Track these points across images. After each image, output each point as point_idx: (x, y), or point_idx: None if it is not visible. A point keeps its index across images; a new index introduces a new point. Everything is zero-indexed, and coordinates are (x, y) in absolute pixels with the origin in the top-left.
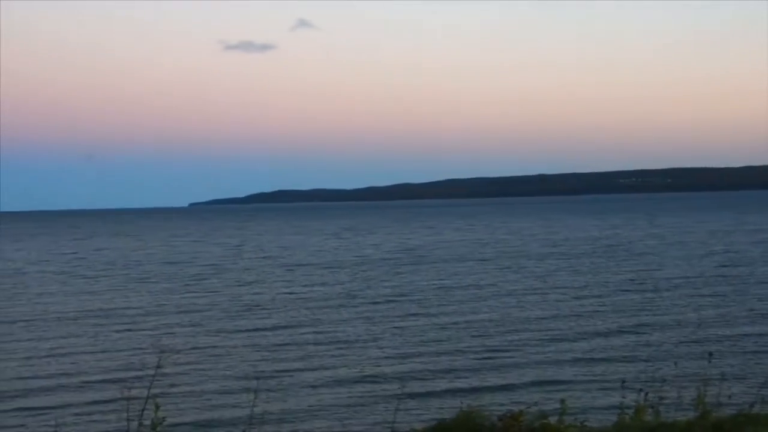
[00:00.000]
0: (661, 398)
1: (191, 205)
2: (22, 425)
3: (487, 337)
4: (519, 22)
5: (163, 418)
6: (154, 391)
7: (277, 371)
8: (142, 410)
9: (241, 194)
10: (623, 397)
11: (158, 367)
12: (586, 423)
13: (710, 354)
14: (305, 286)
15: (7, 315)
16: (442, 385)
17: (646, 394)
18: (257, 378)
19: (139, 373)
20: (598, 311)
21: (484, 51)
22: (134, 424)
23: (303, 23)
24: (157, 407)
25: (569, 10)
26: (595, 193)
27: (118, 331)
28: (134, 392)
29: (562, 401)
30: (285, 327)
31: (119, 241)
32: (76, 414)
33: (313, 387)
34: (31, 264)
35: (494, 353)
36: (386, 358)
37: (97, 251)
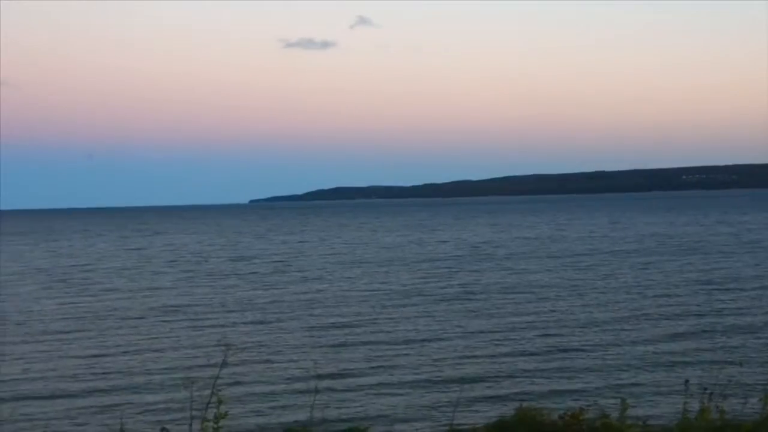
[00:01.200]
0: (725, 398)
1: (251, 202)
2: (87, 423)
3: (550, 337)
4: (588, 23)
5: (226, 412)
6: (217, 386)
7: (339, 369)
8: (207, 404)
9: (300, 191)
10: (687, 398)
11: (222, 363)
12: (648, 422)
13: None
14: (367, 283)
15: (75, 311)
16: (502, 385)
17: (711, 394)
18: (318, 375)
19: (204, 369)
20: (665, 310)
21: (542, 50)
22: (198, 419)
23: (362, 20)
24: (220, 402)
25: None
26: (657, 190)
27: (183, 328)
28: (198, 388)
29: (623, 400)
30: (347, 325)
31: (185, 238)
32: (141, 410)
33: (373, 385)
34: (99, 260)
35: (558, 353)
36: (447, 356)
37: (164, 247)
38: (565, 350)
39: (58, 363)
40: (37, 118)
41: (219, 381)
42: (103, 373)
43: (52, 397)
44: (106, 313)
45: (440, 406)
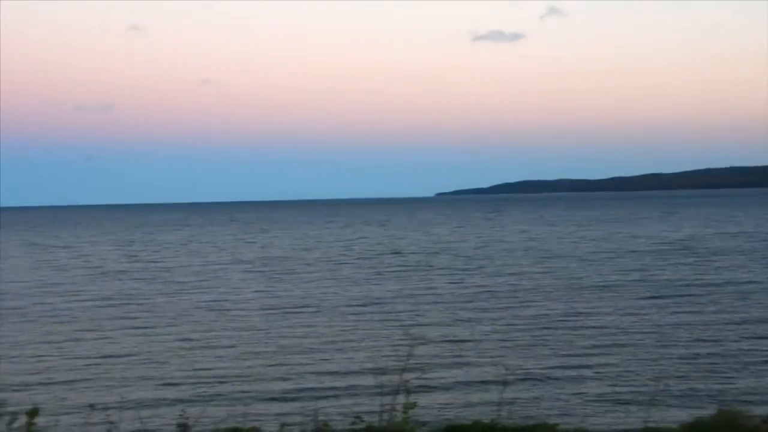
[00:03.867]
0: None
1: (437, 195)
2: (282, 414)
3: (754, 338)
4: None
5: (414, 403)
6: (405, 378)
7: (528, 364)
8: (395, 394)
9: (486, 184)
10: None
11: (409, 355)
12: None
13: None
14: (558, 278)
15: (276, 302)
16: (698, 385)
17: None
18: (506, 369)
19: (392, 361)
20: None
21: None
22: (387, 408)
23: (553, 11)
24: (409, 392)
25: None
26: None
27: (373, 320)
28: (386, 378)
29: None
30: (537, 318)
31: (375, 231)
32: (334, 399)
33: (562, 380)
34: (298, 250)
35: (761, 354)
36: (640, 353)
37: (356, 240)
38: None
39: (252, 351)
40: (241, 114)
41: (407, 373)
42: (297, 363)
43: (251, 380)
44: (302, 303)
45: (634, 404)
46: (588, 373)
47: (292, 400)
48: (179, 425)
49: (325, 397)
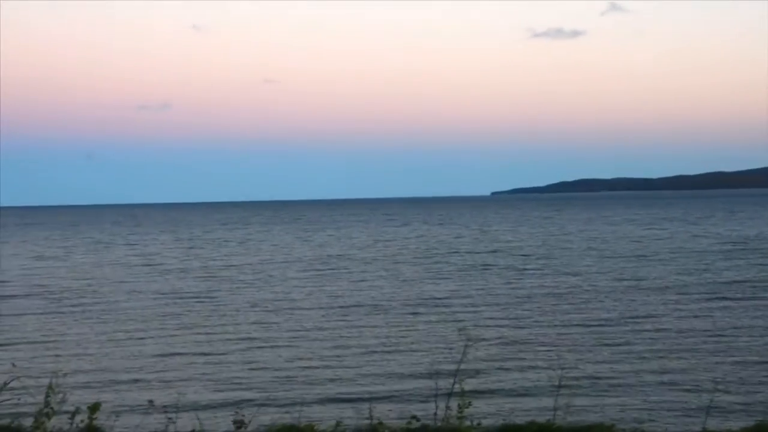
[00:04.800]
0: None
1: (493, 194)
2: (337, 411)
3: None
4: None
5: (469, 402)
6: (460, 378)
7: (584, 366)
8: (449, 394)
9: (542, 183)
10: None
11: (464, 355)
12: None
13: None
14: (618, 278)
15: (336, 300)
16: (758, 392)
17: None
18: (563, 370)
19: (447, 362)
20: None
21: None
22: (442, 408)
23: (614, 7)
24: (464, 392)
25: None
26: None
27: (430, 320)
28: (441, 379)
29: None
30: (595, 319)
31: (433, 229)
32: (389, 399)
33: (619, 382)
34: (355, 249)
35: None
36: (702, 357)
37: (413, 239)
38: None
39: (309, 350)
40: (302, 113)
41: (462, 373)
42: (353, 363)
43: (307, 379)
44: (358, 303)
45: (692, 409)
46: (646, 376)
47: (347, 398)
48: (235, 422)
49: (380, 397)
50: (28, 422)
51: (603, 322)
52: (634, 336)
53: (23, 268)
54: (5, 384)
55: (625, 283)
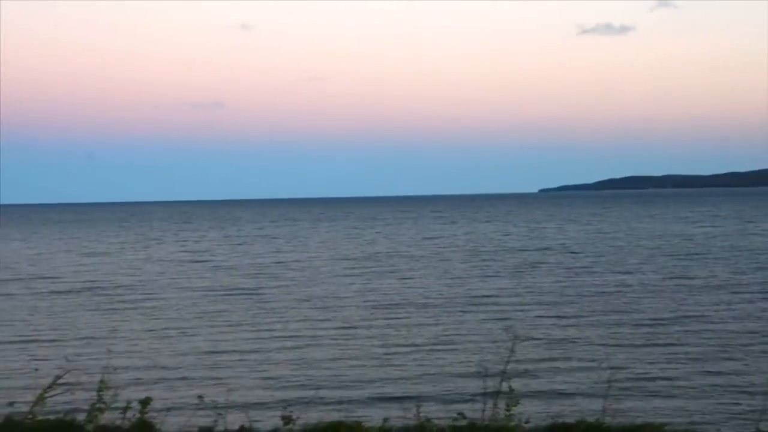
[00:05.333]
0: None
1: (541, 191)
2: (384, 408)
3: None
4: None
5: (517, 400)
6: (508, 376)
7: (634, 365)
8: (497, 393)
9: (591, 180)
10: None
11: (510, 354)
12: None
13: None
14: (668, 276)
15: (384, 297)
16: None
17: None
18: (611, 369)
19: (495, 361)
20: None
21: None
22: (490, 406)
23: (663, 3)
24: (512, 390)
25: None
26: None
27: (478, 318)
28: (489, 377)
29: None
30: (645, 318)
31: (480, 226)
32: (434, 395)
33: (668, 383)
34: (404, 246)
35: None
36: (755, 358)
37: (462, 236)
38: None
39: (356, 347)
40: (348, 111)
41: (510, 371)
42: (401, 362)
43: (355, 377)
44: (407, 300)
45: (744, 412)
46: (697, 377)
47: (394, 397)
48: (283, 417)
49: (427, 396)
50: (81, 417)
51: (653, 322)
52: (685, 336)
53: (76, 264)
54: (58, 378)
55: (676, 281)
